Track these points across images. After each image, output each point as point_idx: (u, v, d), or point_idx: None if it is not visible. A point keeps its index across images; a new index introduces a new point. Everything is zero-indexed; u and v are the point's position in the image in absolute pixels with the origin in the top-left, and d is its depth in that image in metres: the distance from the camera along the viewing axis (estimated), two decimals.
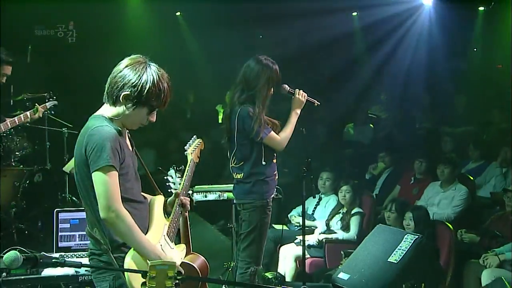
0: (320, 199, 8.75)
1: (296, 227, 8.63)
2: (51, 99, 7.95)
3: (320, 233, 8.25)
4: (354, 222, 8.06)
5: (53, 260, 3.16)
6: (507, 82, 11.49)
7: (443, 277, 6.78)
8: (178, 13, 13.39)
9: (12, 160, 8.37)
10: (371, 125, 11.84)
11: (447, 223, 7.45)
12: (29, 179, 8.34)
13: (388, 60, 12.83)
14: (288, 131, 5.70)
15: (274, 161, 5.78)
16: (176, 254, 4.01)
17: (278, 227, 8.85)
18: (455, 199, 8.12)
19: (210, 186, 7.21)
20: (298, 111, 5.77)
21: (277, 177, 5.82)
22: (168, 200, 4.13)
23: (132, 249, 3.54)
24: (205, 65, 13.49)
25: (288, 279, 7.94)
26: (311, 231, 8.40)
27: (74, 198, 9.07)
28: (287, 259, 8.00)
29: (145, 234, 3.68)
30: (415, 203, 8.41)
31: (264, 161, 5.61)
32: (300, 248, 7.92)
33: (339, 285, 6.59)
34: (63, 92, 9.72)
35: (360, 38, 13.20)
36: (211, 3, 12.03)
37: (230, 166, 5.76)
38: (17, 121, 7.14)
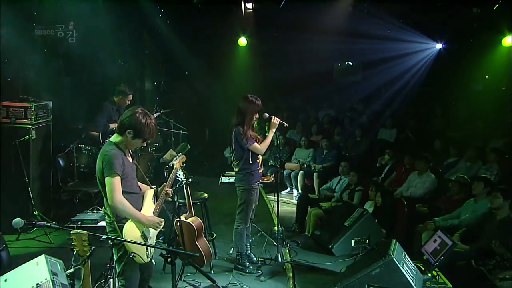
0: (340, 179, 9.06)
1: (323, 196, 9.04)
2: (156, 112, 8.62)
3: (333, 201, 8.63)
4: (357, 195, 8.32)
5: (47, 224, 3.60)
6: (506, 99, 11.16)
7: (382, 236, 6.98)
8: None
9: (150, 150, 9.18)
10: (395, 129, 11.65)
11: (403, 199, 7.57)
12: (156, 161, 8.83)
13: (413, 84, 12.77)
14: (266, 143, 5.96)
15: (258, 161, 6.01)
16: None
17: (312, 196, 9.44)
18: (425, 183, 8.06)
19: (232, 173, 7.78)
20: (274, 130, 6.00)
21: (261, 170, 6.08)
22: (159, 189, 4.48)
23: (129, 220, 4.02)
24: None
25: (311, 229, 8.25)
26: (329, 199, 8.85)
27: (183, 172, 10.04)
28: (311, 217, 8.27)
29: None
30: (403, 184, 8.41)
31: (250, 161, 5.90)
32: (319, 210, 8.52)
33: (314, 238, 7.16)
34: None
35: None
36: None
37: (232, 163, 6.16)
38: None
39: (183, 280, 5.73)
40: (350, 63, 16.16)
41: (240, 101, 5.98)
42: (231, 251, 6.41)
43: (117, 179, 3.97)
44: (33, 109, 7.30)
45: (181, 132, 9.69)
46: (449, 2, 10.10)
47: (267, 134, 6.07)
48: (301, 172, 10.65)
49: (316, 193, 9.84)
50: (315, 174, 10.46)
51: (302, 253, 6.92)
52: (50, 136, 7.95)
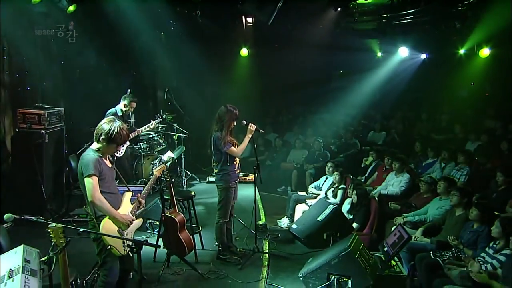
0: (327, 178, 9.26)
1: (310, 194, 9.28)
2: (158, 118, 8.65)
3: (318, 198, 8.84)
4: (339, 193, 8.48)
5: (34, 219, 3.71)
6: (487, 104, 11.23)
7: (352, 230, 7.04)
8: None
9: (154, 151, 9.58)
10: (384, 132, 11.85)
11: (376, 197, 7.76)
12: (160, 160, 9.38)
13: (402, 91, 12.85)
14: (242, 146, 6.14)
15: (235, 163, 6.18)
16: (134, 223, 4.57)
17: (301, 193, 9.64)
18: (401, 182, 8.26)
19: None
20: (250, 136, 6.16)
21: (238, 171, 6.27)
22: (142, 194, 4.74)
23: (107, 216, 4.27)
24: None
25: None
26: (315, 196, 9.05)
27: (188, 172, 10.35)
28: (298, 212, 8.49)
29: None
30: (382, 183, 8.67)
31: (228, 163, 6.09)
32: (306, 206, 8.72)
33: (291, 231, 7.36)
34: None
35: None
36: None
37: (212, 164, 6.35)
38: (140, 131, 7.99)
39: (169, 267, 6.06)
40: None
41: (220, 110, 6.18)
42: (215, 244, 6.69)
43: (95, 179, 4.21)
44: (46, 116, 7.69)
45: (182, 135, 9.98)
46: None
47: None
48: (294, 171, 10.92)
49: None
50: (307, 173, 10.72)
51: (281, 244, 7.15)
52: (63, 139, 8.31)
